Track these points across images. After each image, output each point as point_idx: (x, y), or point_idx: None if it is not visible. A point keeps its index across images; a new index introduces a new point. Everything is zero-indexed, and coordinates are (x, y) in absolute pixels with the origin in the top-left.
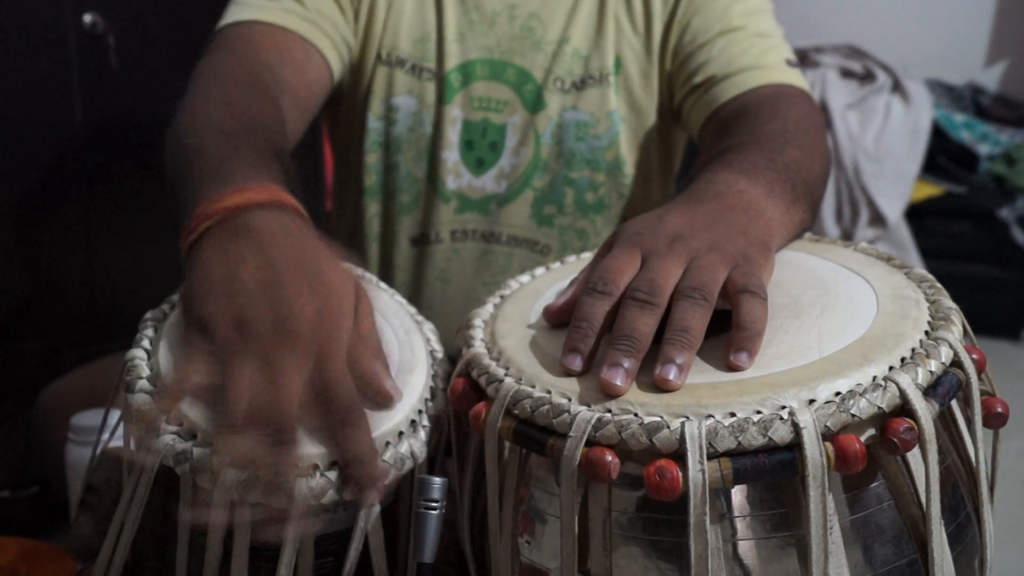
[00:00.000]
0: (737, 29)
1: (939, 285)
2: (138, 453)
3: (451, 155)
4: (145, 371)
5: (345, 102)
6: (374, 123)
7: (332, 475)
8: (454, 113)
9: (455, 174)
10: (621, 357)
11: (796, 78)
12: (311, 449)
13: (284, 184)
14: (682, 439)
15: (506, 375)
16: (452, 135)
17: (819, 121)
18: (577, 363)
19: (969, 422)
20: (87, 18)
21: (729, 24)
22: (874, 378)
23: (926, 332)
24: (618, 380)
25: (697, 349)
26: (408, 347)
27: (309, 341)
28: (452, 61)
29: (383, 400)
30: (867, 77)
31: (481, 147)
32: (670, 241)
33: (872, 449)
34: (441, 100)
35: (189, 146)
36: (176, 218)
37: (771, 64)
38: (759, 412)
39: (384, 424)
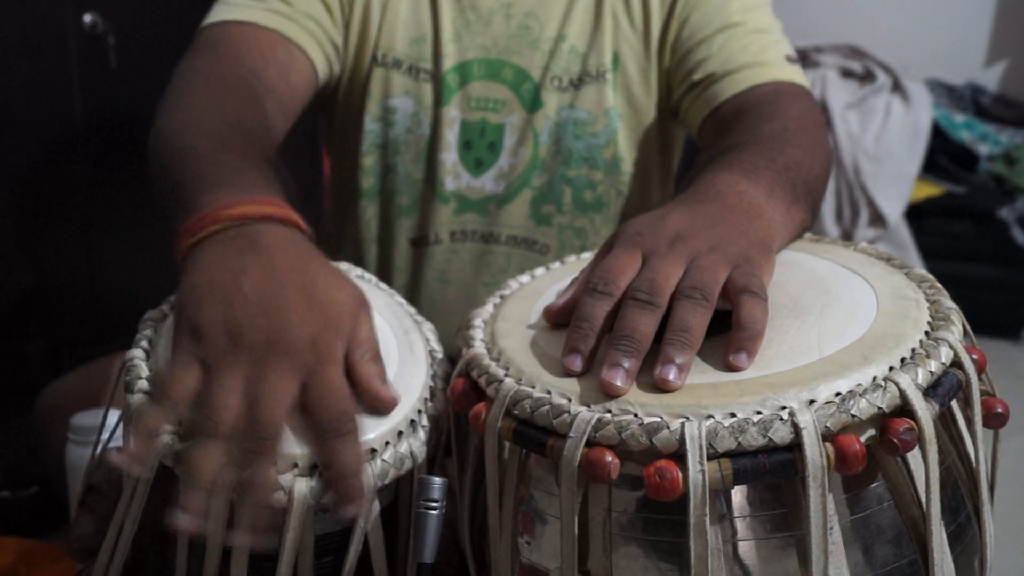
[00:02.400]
0: (736, 25)
1: (939, 285)
2: (132, 463)
3: (449, 156)
4: (144, 371)
5: (341, 105)
6: (371, 125)
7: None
8: (452, 114)
9: (454, 175)
10: (621, 357)
11: (796, 75)
12: (311, 449)
13: (276, 186)
14: (682, 439)
15: (506, 375)
16: (450, 136)
17: (819, 119)
18: (577, 363)
19: (969, 422)
20: (87, 18)
21: (728, 20)
22: (874, 378)
23: (926, 332)
24: (618, 380)
25: (697, 349)
26: (407, 347)
27: (303, 355)
28: (449, 61)
29: (381, 405)
30: (867, 77)
31: (479, 147)
32: (671, 241)
33: (872, 449)
34: (439, 101)
35: (183, 147)
36: (165, 211)
37: (770, 61)
38: (759, 412)
39: (384, 424)
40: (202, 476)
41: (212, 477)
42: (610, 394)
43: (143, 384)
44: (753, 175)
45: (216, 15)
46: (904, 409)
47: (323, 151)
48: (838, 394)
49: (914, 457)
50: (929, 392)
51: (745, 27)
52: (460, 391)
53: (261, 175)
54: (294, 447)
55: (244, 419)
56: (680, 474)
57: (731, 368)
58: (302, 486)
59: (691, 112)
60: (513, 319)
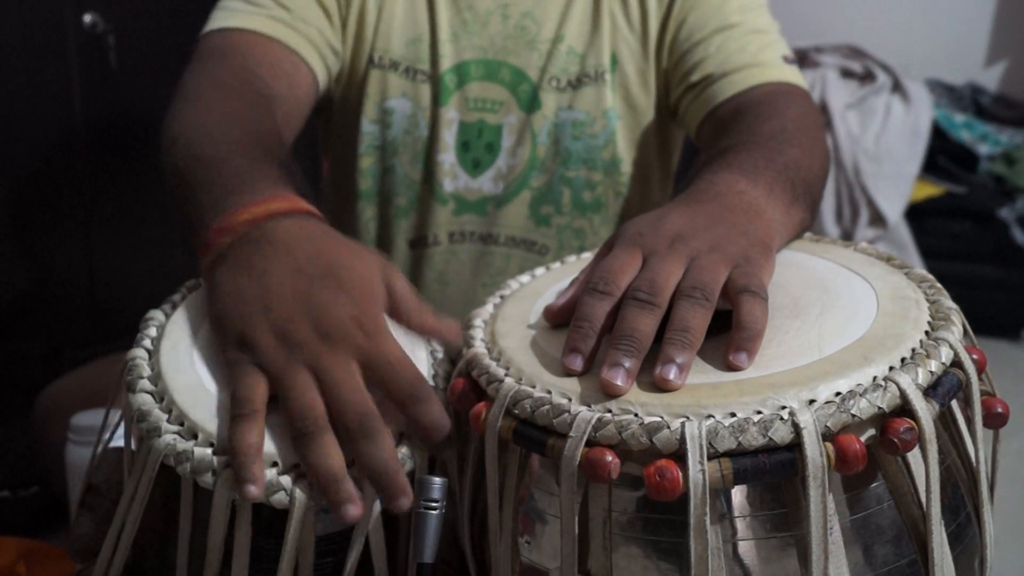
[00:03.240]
0: (733, 26)
1: (939, 285)
2: (249, 490)
3: (447, 157)
4: (146, 371)
5: (338, 107)
6: (368, 127)
7: None
8: (450, 115)
9: (452, 176)
10: (622, 357)
11: (794, 75)
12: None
13: (297, 191)
14: (682, 439)
15: (506, 375)
16: (448, 137)
17: (818, 119)
18: (578, 363)
19: (969, 422)
20: (87, 18)
21: (725, 21)
22: (874, 378)
23: (926, 332)
24: (619, 380)
25: (698, 349)
26: (408, 347)
27: (352, 336)
28: (446, 62)
29: (449, 335)
30: (867, 77)
31: (477, 148)
32: (671, 241)
33: (872, 449)
34: (436, 102)
35: (201, 156)
36: (175, 219)
37: (768, 62)
38: (759, 412)
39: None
40: (329, 471)
41: (337, 467)
42: (610, 394)
43: (145, 384)
44: (752, 175)
45: (218, 21)
46: (904, 409)
47: (322, 154)
48: (838, 394)
49: (914, 457)
50: (929, 392)
51: (743, 28)
52: (460, 391)
53: (267, 173)
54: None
55: (334, 404)
56: (680, 474)
57: (731, 368)
58: (303, 487)
59: (689, 113)
60: (513, 319)
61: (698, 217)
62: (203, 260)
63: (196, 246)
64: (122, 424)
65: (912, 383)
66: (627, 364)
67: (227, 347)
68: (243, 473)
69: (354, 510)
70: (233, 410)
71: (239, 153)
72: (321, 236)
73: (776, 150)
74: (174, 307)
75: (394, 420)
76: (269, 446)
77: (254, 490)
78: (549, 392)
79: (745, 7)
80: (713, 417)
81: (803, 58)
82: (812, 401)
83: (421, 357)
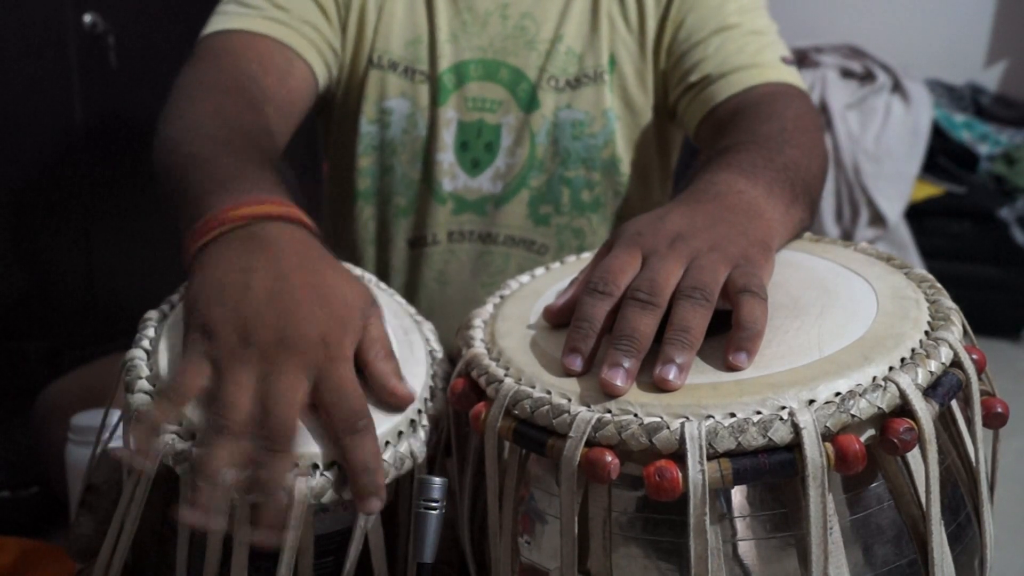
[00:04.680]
0: (732, 27)
1: (939, 285)
2: (136, 458)
3: (446, 156)
4: (145, 371)
5: (337, 107)
6: (367, 127)
7: (331, 475)
8: (448, 114)
9: (451, 175)
10: (622, 357)
11: (792, 76)
12: (311, 448)
13: (289, 195)
14: (682, 439)
15: (506, 375)
16: (447, 136)
17: (816, 120)
18: (578, 363)
19: (969, 422)
20: (87, 18)
21: (724, 22)
22: (874, 378)
23: (926, 332)
24: (618, 380)
25: (698, 349)
26: (407, 347)
27: (313, 351)
28: (445, 62)
29: (397, 401)
30: (867, 77)
31: (476, 148)
32: (671, 241)
33: (872, 449)
34: (435, 102)
35: (190, 154)
36: (175, 219)
37: (767, 62)
38: (759, 412)
39: (384, 424)
40: (212, 472)
41: (224, 476)
42: (610, 394)
43: (144, 384)
44: (752, 175)
45: (215, 25)
46: (904, 409)
47: (322, 154)
48: (838, 394)
49: (914, 457)
50: (929, 392)
51: (741, 29)
52: (460, 391)
53: (264, 175)
54: (297, 447)
55: (255, 417)
56: (680, 474)
57: (731, 368)
58: (302, 486)
59: (688, 113)
60: (513, 319)
61: (698, 217)
62: (188, 250)
63: (184, 239)
64: (121, 424)
65: (912, 383)
66: (627, 364)
67: (190, 334)
68: (140, 444)
69: (211, 521)
70: (164, 390)
71: (230, 151)
72: (314, 251)
73: (775, 150)
74: (172, 307)
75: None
76: None
77: (143, 462)
78: (549, 392)
79: (744, 8)
80: (713, 417)
81: (803, 58)
82: (812, 401)
83: (420, 357)
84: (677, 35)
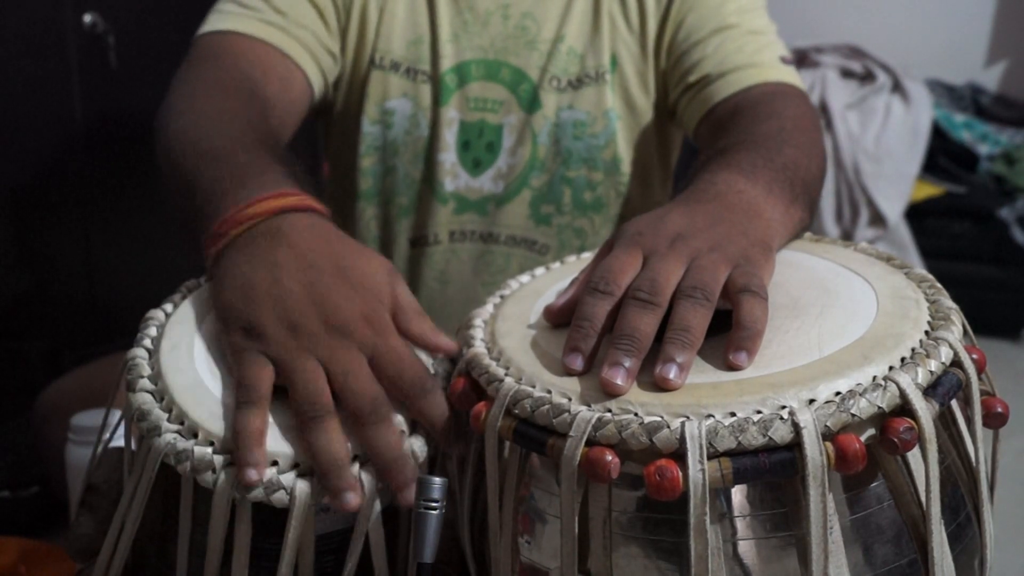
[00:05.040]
0: (731, 27)
1: (939, 285)
2: (251, 475)
3: (448, 156)
4: (146, 370)
5: (338, 108)
6: (369, 128)
7: None
8: (450, 114)
9: (452, 175)
10: (622, 356)
11: (791, 76)
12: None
13: (305, 188)
14: (682, 439)
15: (506, 375)
16: (449, 136)
17: (815, 120)
18: (578, 363)
19: (969, 422)
20: (87, 18)
21: (723, 22)
22: (874, 378)
23: (926, 332)
24: (619, 379)
25: (698, 349)
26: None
27: (360, 331)
28: (447, 62)
29: (445, 354)
30: (867, 77)
31: (478, 148)
32: (671, 241)
33: (872, 449)
34: (437, 102)
35: (205, 151)
36: (175, 219)
37: (766, 62)
38: (759, 412)
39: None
40: (335, 455)
41: (343, 453)
42: (610, 393)
43: (145, 383)
44: (751, 174)
45: (212, 24)
46: (904, 409)
47: (322, 155)
48: (838, 393)
49: (914, 457)
50: (929, 392)
51: (740, 29)
52: (460, 391)
53: (274, 168)
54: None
55: (343, 389)
56: (680, 473)
57: (731, 367)
58: (303, 485)
59: (687, 113)
60: (513, 319)
61: (698, 217)
62: (210, 251)
63: (202, 238)
64: (122, 424)
65: (912, 383)
66: (627, 364)
67: (233, 336)
68: (246, 457)
69: (353, 499)
70: (238, 397)
71: (243, 148)
72: (331, 234)
73: (774, 150)
74: (174, 307)
75: (402, 413)
76: (270, 444)
77: (254, 474)
78: (549, 392)
79: (743, 8)
80: (713, 417)
81: (803, 58)
82: (812, 401)
83: (420, 356)
84: (677, 35)
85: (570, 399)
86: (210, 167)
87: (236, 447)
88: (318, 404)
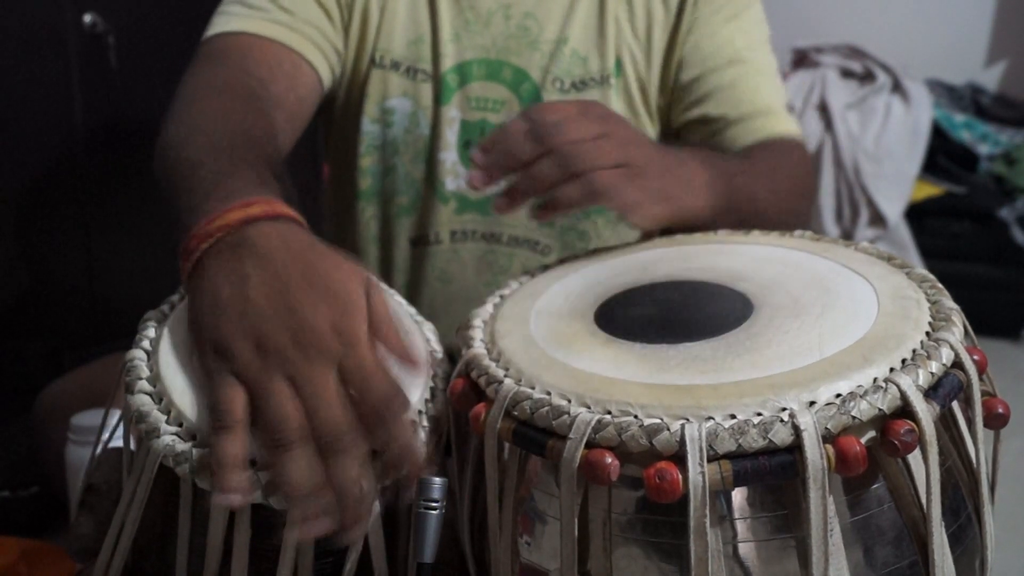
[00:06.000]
0: (744, 62)
1: (940, 285)
2: (231, 500)
3: (449, 156)
4: (145, 371)
5: (339, 107)
6: (369, 127)
7: None
8: (451, 114)
9: (454, 175)
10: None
11: (796, 128)
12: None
13: (280, 195)
14: (682, 441)
15: (506, 376)
16: (450, 136)
17: (808, 179)
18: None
19: (970, 423)
20: (87, 18)
21: (736, 55)
22: (875, 379)
23: (927, 333)
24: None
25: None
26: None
27: (329, 344)
28: (448, 62)
29: (412, 368)
30: (867, 77)
31: None
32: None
33: (873, 451)
34: (438, 101)
35: (185, 159)
36: (173, 220)
37: (777, 109)
38: (759, 414)
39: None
40: (302, 485)
41: (310, 482)
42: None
43: (144, 385)
44: (706, 160)
45: (218, 26)
46: (905, 410)
47: (323, 154)
48: (838, 395)
49: (915, 458)
50: (930, 393)
51: (752, 66)
52: (460, 391)
53: (247, 176)
54: None
55: (310, 418)
56: (680, 476)
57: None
58: None
59: (696, 139)
60: (513, 319)
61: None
62: (183, 267)
63: (179, 253)
64: (121, 424)
65: (913, 384)
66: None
67: (204, 355)
68: (226, 484)
69: (319, 527)
70: (212, 422)
71: (221, 155)
72: (300, 242)
73: (745, 174)
74: (173, 308)
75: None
76: None
77: (238, 499)
78: (549, 393)
79: (752, 45)
80: (713, 419)
81: (803, 58)
82: (812, 403)
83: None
84: (690, 56)
85: (570, 401)
86: (186, 178)
87: (216, 474)
88: (284, 432)
